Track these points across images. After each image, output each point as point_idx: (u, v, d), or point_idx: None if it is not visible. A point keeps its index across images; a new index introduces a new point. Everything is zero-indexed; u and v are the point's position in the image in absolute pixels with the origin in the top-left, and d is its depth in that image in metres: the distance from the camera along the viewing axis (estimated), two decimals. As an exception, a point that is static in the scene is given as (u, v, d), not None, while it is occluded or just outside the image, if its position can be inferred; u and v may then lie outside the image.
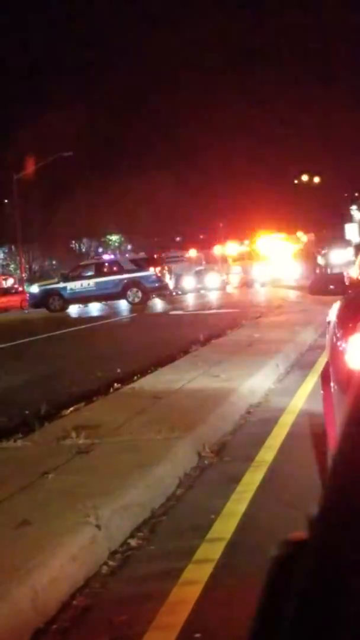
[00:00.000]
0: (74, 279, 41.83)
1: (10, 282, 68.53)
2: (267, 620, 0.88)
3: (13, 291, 59.64)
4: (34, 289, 46.07)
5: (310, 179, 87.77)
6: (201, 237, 77.93)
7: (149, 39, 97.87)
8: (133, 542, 5.25)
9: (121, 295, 40.42)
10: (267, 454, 7.40)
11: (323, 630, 0.81)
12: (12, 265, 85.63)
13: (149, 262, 43.35)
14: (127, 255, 55.84)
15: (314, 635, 0.82)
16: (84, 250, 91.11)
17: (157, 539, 5.35)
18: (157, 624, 3.99)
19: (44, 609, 4.15)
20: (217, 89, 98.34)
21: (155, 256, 46.47)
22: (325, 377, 5.51)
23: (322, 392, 5.62)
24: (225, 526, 5.50)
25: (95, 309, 39.84)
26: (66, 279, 42.58)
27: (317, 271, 46.71)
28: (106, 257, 49.95)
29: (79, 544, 4.79)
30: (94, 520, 5.05)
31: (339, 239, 67.57)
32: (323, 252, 61.44)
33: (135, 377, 11.86)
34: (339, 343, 5.21)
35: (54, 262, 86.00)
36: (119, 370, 12.74)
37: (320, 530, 0.90)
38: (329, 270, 45.98)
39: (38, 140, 70.55)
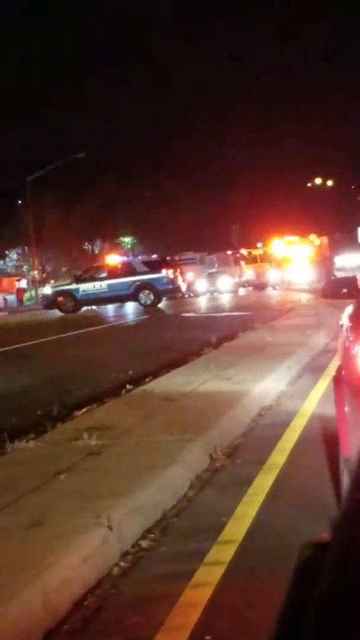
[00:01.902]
0: (86, 280, 41.88)
1: (23, 283, 68.70)
2: (290, 622, 0.88)
3: None
4: (47, 290, 46.19)
5: (324, 182, 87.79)
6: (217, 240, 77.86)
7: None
8: (144, 544, 5.26)
9: (133, 297, 40.43)
10: (279, 457, 7.40)
11: (346, 633, 0.81)
12: (26, 267, 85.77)
13: (162, 264, 43.38)
14: (139, 257, 55.83)
15: (336, 638, 0.82)
16: (96, 251, 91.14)
17: (168, 541, 5.35)
18: (167, 626, 4.00)
19: (55, 609, 4.16)
20: (229, 94, 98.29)
21: (167, 258, 46.47)
22: (337, 381, 5.51)
23: (334, 395, 5.61)
24: (236, 529, 5.51)
25: (107, 310, 39.88)
26: (79, 280, 42.66)
27: (334, 274, 46.39)
28: (118, 258, 49.89)
29: (91, 544, 4.80)
30: (106, 521, 5.06)
31: (352, 242, 67.61)
32: (336, 255, 61.39)
33: (147, 379, 11.88)
34: (351, 346, 5.21)
35: (64, 269, 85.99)
36: (130, 372, 12.77)
37: (342, 532, 0.91)
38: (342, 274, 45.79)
39: (51, 141, 70.69)
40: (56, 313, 40.33)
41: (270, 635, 0.89)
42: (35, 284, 66.79)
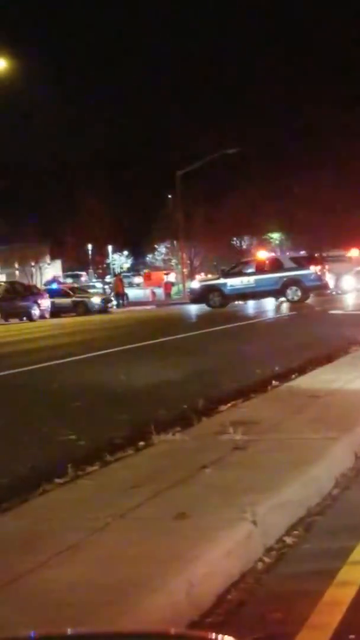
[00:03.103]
0: (234, 275, 41.96)
1: (172, 277, 69.36)
2: None
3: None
4: (195, 284, 46.48)
5: None
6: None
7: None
8: (288, 540, 5.25)
9: (280, 292, 40.29)
10: None
11: None
12: (174, 261, 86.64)
13: (310, 260, 43.09)
14: (287, 253, 55.63)
15: None
16: (244, 247, 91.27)
17: (312, 538, 5.32)
18: (310, 623, 3.98)
19: (199, 602, 4.19)
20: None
21: (315, 255, 46.12)
22: None
23: None
24: (382, 529, 5.43)
25: (254, 306, 39.88)
26: (226, 275, 42.79)
27: None
28: (267, 254, 49.81)
29: (235, 539, 4.82)
30: (250, 516, 5.06)
31: None
32: None
33: (293, 376, 11.82)
34: None
35: (214, 263, 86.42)
36: (277, 368, 12.73)
37: None
38: None
39: (203, 137, 71.12)
40: (203, 307, 40.59)
41: None
42: (183, 278, 67.33)
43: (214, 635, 1.58)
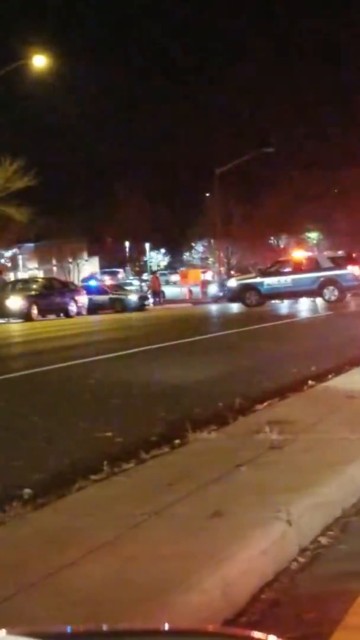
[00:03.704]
0: (271, 274, 41.92)
1: (208, 275, 69.36)
2: None
3: None
4: (232, 283, 46.46)
5: None
6: None
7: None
8: (323, 540, 5.24)
9: (317, 292, 40.21)
10: None
11: None
12: (211, 259, 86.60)
13: (347, 260, 42.90)
14: (325, 253, 55.38)
15: None
16: (282, 246, 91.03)
17: (348, 539, 5.30)
18: (345, 624, 3.96)
19: (234, 600, 4.19)
20: None
21: (354, 255, 45.90)
22: None
23: None
24: None
25: (290, 305, 39.79)
26: (264, 274, 42.74)
27: None
28: (304, 253, 49.66)
29: (270, 538, 4.82)
30: (285, 515, 5.06)
31: None
32: None
33: (330, 376, 11.79)
34: None
35: (252, 262, 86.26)
36: (313, 368, 12.69)
37: None
38: None
39: (240, 135, 71.09)
40: (240, 306, 40.58)
41: None
42: (220, 276, 67.27)
43: (256, 634, 1.57)
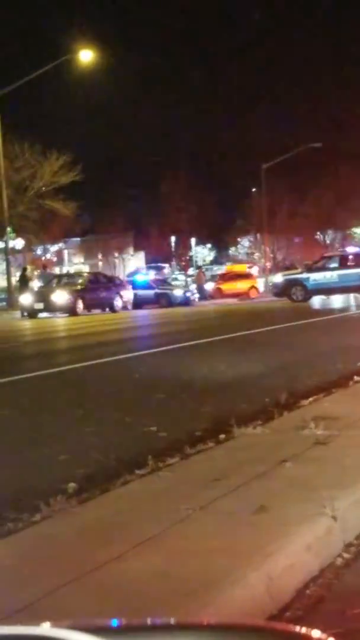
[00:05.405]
0: (317, 270, 41.73)
1: (254, 270, 69.22)
2: None
3: None
4: (278, 278, 46.35)
5: None
6: None
7: None
8: (368, 537, 5.20)
9: (363, 289, 39.94)
10: None
11: None
12: (257, 254, 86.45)
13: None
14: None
15: None
16: (328, 242, 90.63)
17: (394, 536, 5.27)
18: (390, 620, 3.94)
19: (279, 596, 4.18)
20: None
21: None
22: None
23: None
24: None
25: (337, 301, 39.56)
26: (310, 269, 42.56)
27: None
28: (352, 249, 49.36)
29: (315, 534, 4.80)
30: (330, 511, 5.04)
31: None
32: None
33: (376, 372, 11.71)
34: None
35: (297, 257, 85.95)
36: (359, 364, 12.62)
37: None
38: None
39: (289, 130, 70.74)
40: (286, 301, 40.46)
41: None
42: (266, 271, 67.12)
43: (300, 629, 1.57)
